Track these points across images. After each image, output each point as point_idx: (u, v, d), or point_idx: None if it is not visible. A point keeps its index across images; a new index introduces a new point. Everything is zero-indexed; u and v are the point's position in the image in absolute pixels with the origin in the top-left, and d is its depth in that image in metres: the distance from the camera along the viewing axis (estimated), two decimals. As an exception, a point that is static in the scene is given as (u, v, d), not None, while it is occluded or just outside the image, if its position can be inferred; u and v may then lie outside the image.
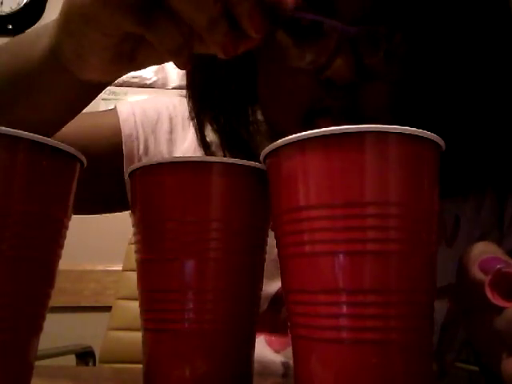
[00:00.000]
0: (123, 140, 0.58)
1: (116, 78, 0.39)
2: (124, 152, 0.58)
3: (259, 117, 0.52)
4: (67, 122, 0.44)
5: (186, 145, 0.60)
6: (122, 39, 0.34)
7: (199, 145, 0.54)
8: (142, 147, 0.59)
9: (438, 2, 0.41)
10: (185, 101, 0.54)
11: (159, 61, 0.37)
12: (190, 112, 0.53)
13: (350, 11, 0.39)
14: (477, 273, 0.27)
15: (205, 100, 0.52)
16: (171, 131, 0.61)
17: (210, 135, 0.53)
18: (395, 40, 0.41)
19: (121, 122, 0.59)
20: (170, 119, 0.62)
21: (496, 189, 0.54)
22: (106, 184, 0.58)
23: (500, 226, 0.54)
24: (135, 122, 0.59)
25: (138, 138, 0.59)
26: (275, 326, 0.53)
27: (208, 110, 0.52)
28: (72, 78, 0.38)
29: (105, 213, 0.63)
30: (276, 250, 0.31)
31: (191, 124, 0.55)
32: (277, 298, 0.53)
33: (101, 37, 0.34)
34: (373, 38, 0.40)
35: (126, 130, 0.58)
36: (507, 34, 0.42)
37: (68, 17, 0.34)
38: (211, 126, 0.52)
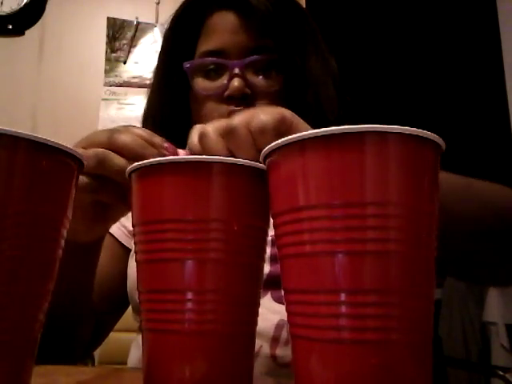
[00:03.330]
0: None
1: (98, 234, 0.50)
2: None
3: None
4: (87, 284, 0.56)
5: None
6: (91, 207, 0.45)
7: None
8: None
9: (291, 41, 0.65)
10: None
11: (122, 210, 0.47)
12: None
13: (238, 52, 0.64)
14: None
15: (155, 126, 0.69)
16: None
17: None
18: (269, 64, 0.64)
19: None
20: None
21: None
22: None
23: None
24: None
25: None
26: None
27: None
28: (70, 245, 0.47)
29: None
30: None
31: None
32: None
33: (76, 209, 0.41)
34: (255, 65, 0.64)
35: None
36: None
37: None
38: None
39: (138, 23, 1.87)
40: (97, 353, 1.17)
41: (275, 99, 0.63)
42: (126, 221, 0.67)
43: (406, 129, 0.27)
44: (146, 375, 0.33)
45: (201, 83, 0.66)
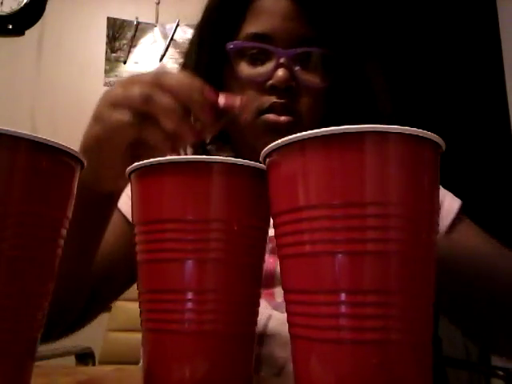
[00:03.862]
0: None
1: (125, 184, 0.48)
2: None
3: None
4: (95, 243, 0.53)
5: None
6: (128, 149, 0.44)
7: None
8: None
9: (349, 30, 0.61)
10: None
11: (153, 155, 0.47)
12: None
13: (287, 40, 0.58)
14: None
15: None
16: None
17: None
18: (320, 58, 0.60)
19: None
20: None
21: None
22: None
23: None
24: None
25: None
26: None
27: None
28: (89, 195, 0.46)
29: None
30: None
31: None
32: None
33: (111, 150, 0.44)
34: (304, 57, 0.59)
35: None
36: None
37: (86, 147, 0.45)
38: None
39: (138, 23, 1.87)
40: (97, 353, 1.17)
41: (320, 97, 0.60)
42: None
43: (406, 129, 0.27)
44: (146, 375, 0.33)
45: (243, 68, 0.60)
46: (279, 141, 0.29)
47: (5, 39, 1.83)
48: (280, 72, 0.57)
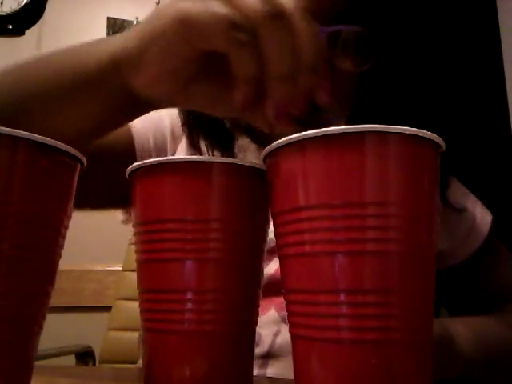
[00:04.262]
0: (134, 137, 0.60)
1: (162, 101, 0.40)
2: (136, 145, 0.60)
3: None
4: (100, 137, 0.45)
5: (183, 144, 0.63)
6: (189, 62, 0.36)
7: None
8: (151, 141, 0.62)
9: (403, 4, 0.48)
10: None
11: (204, 101, 0.39)
12: (182, 125, 0.60)
13: (318, 14, 0.42)
14: None
15: (193, 120, 0.58)
16: (172, 130, 0.65)
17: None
18: (354, 38, 0.47)
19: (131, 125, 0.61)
20: (171, 121, 0.66)
21: None
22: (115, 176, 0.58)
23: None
24: (143, 122, 0.62)
25: (146, 135, 0.62)
26: None
27: (196, 129, 0.58)
28: (122, 89, 0.39)
29: (106, 208, 0.63)
30: None
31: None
32: None
33: (173, 58, 0.36)
34: (339, 37, 0.46)
35: (137, 126, 0.61)
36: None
37: (144, 40, 0.37)
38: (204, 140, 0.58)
39: (138, 23, 1.87)
40: (97, 352, 1.17)
41: (353, 85, 0.50)
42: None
43: (406, 129, 0.27)
44: (146, 375, 0.33)
45: None
46: (279, 141, 0.29)
47: (5, 39, 1.83)
48: None
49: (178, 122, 0.62)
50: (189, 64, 0.36)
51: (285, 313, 0.30)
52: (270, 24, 0.32)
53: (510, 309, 0.59)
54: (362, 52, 0.48)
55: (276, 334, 0.51)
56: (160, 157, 0.33)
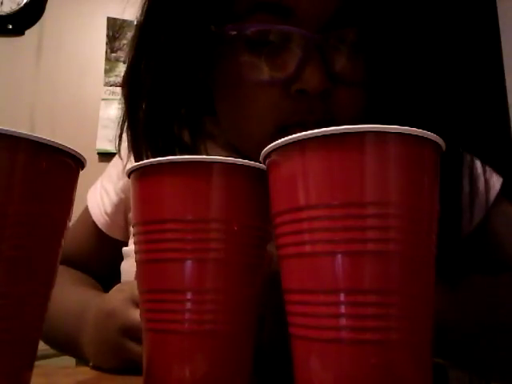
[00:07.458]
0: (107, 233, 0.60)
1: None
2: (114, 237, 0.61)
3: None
4: None
5: None
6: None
7: None
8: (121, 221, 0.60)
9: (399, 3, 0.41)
10: None
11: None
12: (128, 143, 0.49)
13: (313, 18, 0.38)
14: None
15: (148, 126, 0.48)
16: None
17: None
18: (362, 41, 0.40)
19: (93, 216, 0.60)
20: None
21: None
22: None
23: None
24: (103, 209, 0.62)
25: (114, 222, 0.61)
26: None
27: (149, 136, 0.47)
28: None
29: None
30: None
31: None
32: None
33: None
34: (340, 43, 0.39)
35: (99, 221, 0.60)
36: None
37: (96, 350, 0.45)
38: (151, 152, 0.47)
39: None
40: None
41: (361, 91, 0.42)
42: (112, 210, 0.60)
43: (406, 129, 0.27)
44: (146, 375, 0.33)
45: (247, 61, 0.40)
46: (279, 141, 0.29)
47: (5, 39, 1.83)
48: (315, 73, 0.38)
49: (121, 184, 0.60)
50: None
51: None
52: None
53: None
54: (367, 58, 0.43)
55: None
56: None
